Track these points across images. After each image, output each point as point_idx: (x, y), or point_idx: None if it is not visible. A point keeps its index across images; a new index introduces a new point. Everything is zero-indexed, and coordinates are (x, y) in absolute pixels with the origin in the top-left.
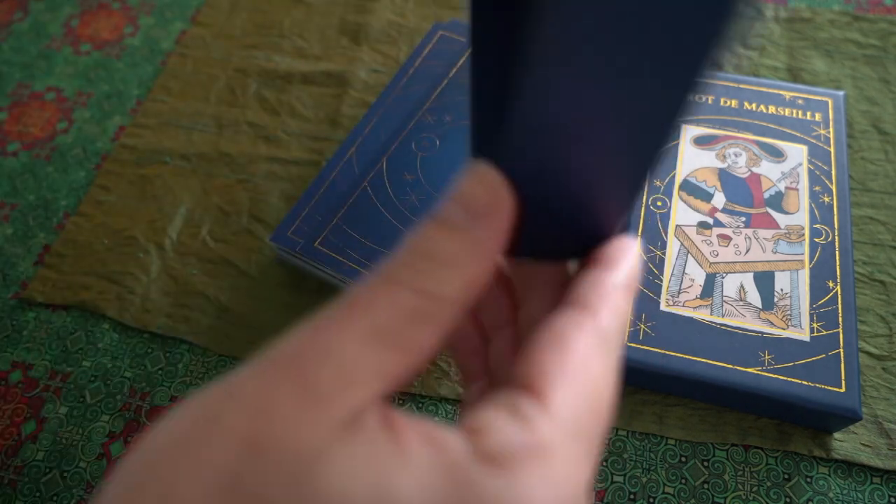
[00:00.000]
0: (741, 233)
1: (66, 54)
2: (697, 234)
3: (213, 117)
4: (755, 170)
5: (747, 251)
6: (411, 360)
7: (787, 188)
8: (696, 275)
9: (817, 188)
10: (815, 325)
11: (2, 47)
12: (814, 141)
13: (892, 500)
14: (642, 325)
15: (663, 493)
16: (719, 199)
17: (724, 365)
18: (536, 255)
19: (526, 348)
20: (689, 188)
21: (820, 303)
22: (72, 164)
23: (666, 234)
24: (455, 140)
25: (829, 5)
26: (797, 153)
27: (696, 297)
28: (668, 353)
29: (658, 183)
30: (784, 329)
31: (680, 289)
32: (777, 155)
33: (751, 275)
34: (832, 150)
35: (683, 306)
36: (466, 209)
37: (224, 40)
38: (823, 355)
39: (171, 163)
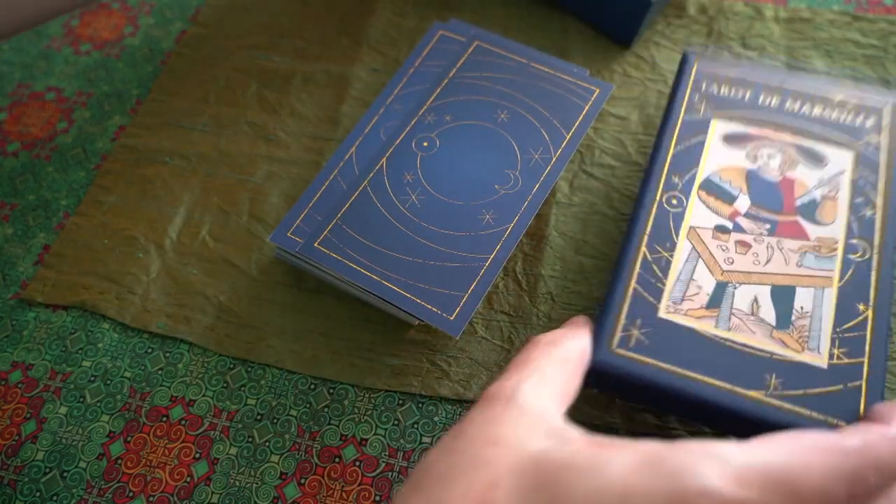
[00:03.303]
0: (763, 241)
1: (66, 54)
2: (713, 237)
3: (213, 117)
4: (790, 174)
5: (768, 261)
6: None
7: (823, 197)
8: (705, 282)
9: (859, 199)
10: (836, 352)
11: (2, 47)
12: (863, 148)
13: None
14: (635, 331)
15: None
16: (743, 202)
17: (722, 385)
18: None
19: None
20: (711, 187)
21: (846, 327)
22: (72, 164)
23: (677, 234)
24: (455, 140)
25: (829, 5)
26: (841, 160)
27: (702, 307)
28: (659, 364)
29: (676, 179)
30: (798, 352)
31: (684, 295)
32: (818, 160)
33: (768, 288)
34: (882, 159)
35: (685, 315)
36: (579, 324)
37: (224, 40)
38: (841, 387)
39: (171, 163)
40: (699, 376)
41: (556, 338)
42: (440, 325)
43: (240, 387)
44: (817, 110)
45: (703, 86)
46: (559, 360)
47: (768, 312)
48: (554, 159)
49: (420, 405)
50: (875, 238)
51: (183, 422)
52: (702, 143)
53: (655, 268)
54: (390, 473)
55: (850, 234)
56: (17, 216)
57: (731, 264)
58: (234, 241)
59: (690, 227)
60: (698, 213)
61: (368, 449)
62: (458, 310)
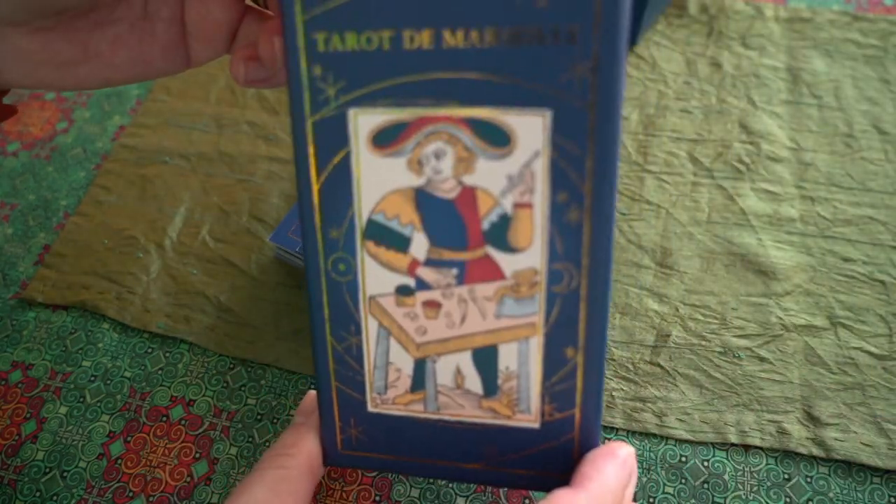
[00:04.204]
0: (453, 294)
1: None
2: (397, 305)
3: (213, 117)
4: (468, 180)
5: (463, 321)
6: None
7: (515, 205)
8: (403, 363)
9: (563, 197)
10: (546, 409)
11: None
12: (561, 95)
13: (892, 499)
14: (353, 431)
15: (663, 493)
16: (420, 245)
17: (445, 464)
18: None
19: None
20: (377, 233)
21: (554, 380)
22: (72, 164)
23: (358, 311)
24: None
25: (828, 5)
26: (532, 131)
27: (406, 391)
28: (385, 457)
29: (334, 233)
30: (510, 417)
31: (386, 384)
32: (501, 143)
33: (468, 354)
34: (592, 110)
35: (393, 404)
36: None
37: None
38: (556, 443)
39: (171, 163)
40: (423, 460)
41: (280, 460)
42: None
43: (240, 387)
44: (490, 38)
45: (320, 42)
46: (285, 494)
47: (474, 381)
48: None
49: None
50: (582, 257)
51: (183, 422)
52: (347, 164)
53: (349, 359)
54: (390, 474)
55: (552, 257)
56: (17, 216)
57: (424, 335)
58: (234, 241)
59: (370, 298)
60: (372, 276)
61: None
62: None
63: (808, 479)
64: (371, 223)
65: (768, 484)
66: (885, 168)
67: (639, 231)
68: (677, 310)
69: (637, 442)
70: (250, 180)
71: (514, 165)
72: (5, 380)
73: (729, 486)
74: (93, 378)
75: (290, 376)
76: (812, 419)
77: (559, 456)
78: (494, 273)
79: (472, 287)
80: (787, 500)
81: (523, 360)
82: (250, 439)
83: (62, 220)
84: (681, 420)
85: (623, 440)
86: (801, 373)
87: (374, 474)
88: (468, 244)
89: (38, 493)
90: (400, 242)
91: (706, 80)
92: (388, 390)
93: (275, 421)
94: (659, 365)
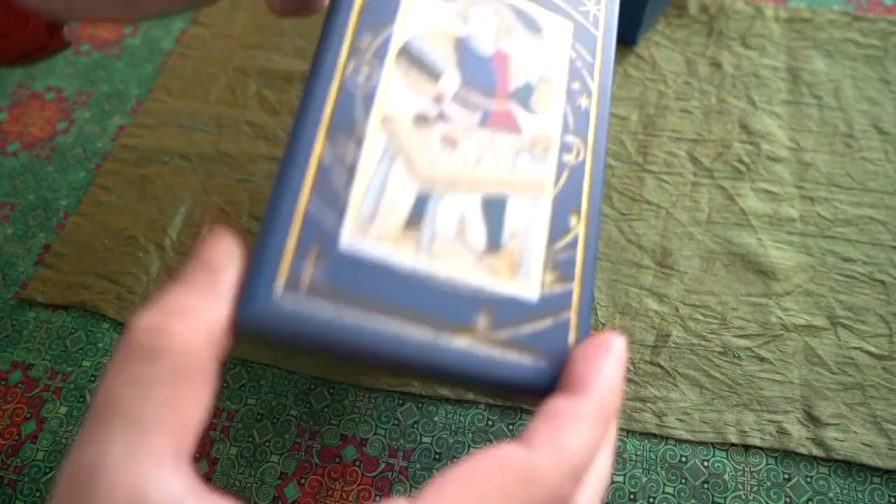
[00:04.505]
0: (473, 135)
1: (66, 54)
2: (413, 129)
3: (213, 117)
4: (504, 45)
5: (478, 162)
6: (189, 411)
7: (540, 80)
8: (403, 192)
9: (576, 85)
10: (547, 277)
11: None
12: (581, 18)
13: (892, 499)
14: (307, 270)
15: (663, 492)
16: (452, 80)
17: (422, 334)
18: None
19: (454, 466)
20: (413, 56)
21: (558, 246)
22: (72, 164)
23: (367, 123)
24: None
25: (829, 5)
26: (560, 31)
27: (400, 227)
28: (340, 316)
29: (365, 40)
30: (510, 280)
31: (376, 211)
32: (535, 30)
33: (478, 198)
34: (600, 35)
35: (377, 241)
36: (202, 265)
37: (224, 40)
38: (551, 321)
39: (171, 163)
40: (394, 326)
41: (162, 325)
42: None
43: (240, 387)
44: None
45: None
46: (168, 381)
47: (478, 232)
48: None
49: (420, 405)
50: (589, 135)
51: None
52: None
53: (338, 170)
54: (390, 474)
55: (565, 129)
56: (17, 216)
57: (436, 166)
58: None
59: (386, 115)
60: (395, 94)
61: (368, 449)
62: None
63: (808, 479)
64: (409, 43)
65: (768, 484)
66: (885, 168)
67: (639, 231)
68: (677, 310)
69: (637, 442)
70: (250, 180)
71: (543, 50)
72: (5, 380)
73: (729, 486)
74: (93, 378)
75: (290, 376)
76: (812, 419)
77: (553, 337)
78: (514, 127)
79: (493, 133)
80: (787, 500)
81: (530, 218)
82: (250, 439)
83: (62, 220)
84: (681, 420)
85: (623, 440)
86: (801, 373)
87: (373, 473)
88: (496, 93)
89: (38, 493)
90: (433, 70)
91: (706, 80)
92: (376, 222)
93: (275, 421)
94: (659, 365)
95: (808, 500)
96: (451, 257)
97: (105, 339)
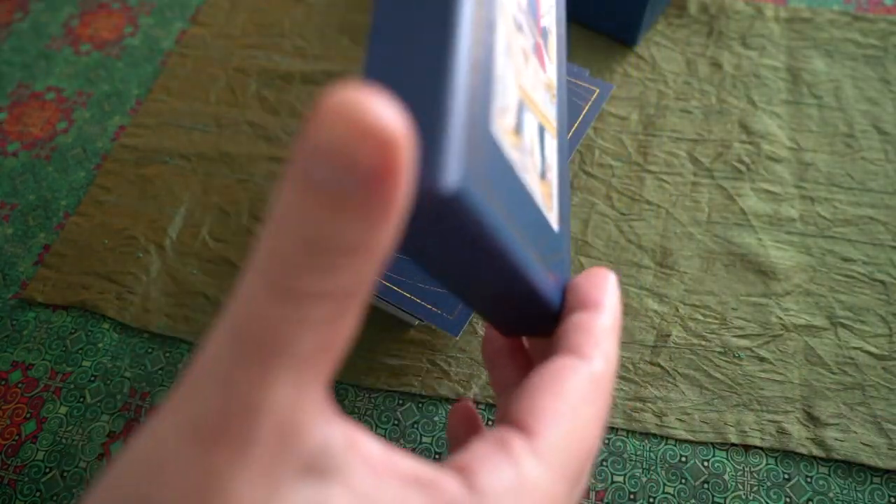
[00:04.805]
0: (531, 57)
1: (66, 54)
2: (515, 33)
3: (213, 117)
4: None
5: (534, 89)
6: (331, 359)
7: (549, 27)
8: (511, 92)
9: (562, 31)
10: (555, 214)
11: (2, 47)
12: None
13: (892, 499)
14: (479, 151)
15: (663, 492)
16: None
17: (527, 250)
18: (518, 334)
19: (522, 389)
20: None
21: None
22: (72, 164)
23: (494, 12)
24: None
25: (829, 5)
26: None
27: (513, 129)
28: (496, 210)
29: None
30: (549, 210)
31: (496, 106)
32: None
33: (536, 122)
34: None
35: (504, 134)
36: (349, 170)
37: (224, 40)
38: (561, 254)
39: (171, 163)
40: (513, 235)
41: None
42: (440, 325)
43: None
44: None
45: None
46: (342, 309)
47: (537, 156)
48: None
49: (420, 405)
50: (561, 76)
51: None
52: None
53: (483, 49)
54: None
55: (559, 80)
56: (17, 216)
57: (522, 78)
58: (234, 241)
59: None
60: None
61: None
62: (458, 309)
63: (808, 479)
64: None
65: (768, 484)
66: (885, 168)
67: (639, 231)
68: (677, 310)
69: (637, 442)
70: (250, 180)
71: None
72: (5, 380)
73: (729, 486)
74: (93, 378)
75: None
76: (812, 419)
77: (562, 271)
78: (543, 65)
79: (536, 63)
80: (787, 500)
81: (554, 156)
82: None
83: (62, 220)
84: (681, 420)
85: (623, 440)
86: (801, 373)
87: None
88: (536, 26)
89: (38, 493)
90: None
91: (706, 80)
92: (497, 116)
93: None
94: (659, 365)
95: (808, 500)
96: (532, 175)
97: (105, 339)
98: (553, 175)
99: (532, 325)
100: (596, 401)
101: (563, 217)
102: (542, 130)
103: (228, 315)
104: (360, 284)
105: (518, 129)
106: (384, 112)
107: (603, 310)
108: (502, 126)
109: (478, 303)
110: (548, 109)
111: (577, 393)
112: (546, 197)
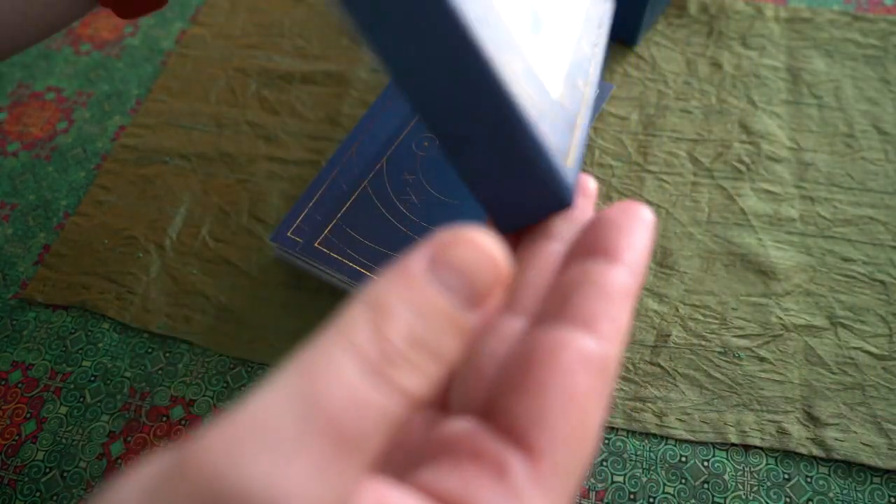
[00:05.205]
0: None
1: (67, 54)
2: None
3: (213, 117)
4: None
5: None
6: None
7: None
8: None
9: None
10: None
11: None
12: None
13: (892, 499)
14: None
15: (663, 493)
16: None
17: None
18: (516, 224)
19: (516, 372)
20: None
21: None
22: (72, 164)
23: None
24: None
25: (829, 5)
26: None
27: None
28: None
29: None
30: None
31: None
32: None
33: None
34: None
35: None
36: (466, 296)
37: (224, 40)
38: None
39: (171, 163)
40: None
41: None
42: None
43: (240, 387)
44: None
45: None
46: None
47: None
48: None
49: None
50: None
51: (183, 422)
52: None
53: None
54: None
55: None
56: (17, 216)
57: None
58: (234, 241)
59: None
60: None
61: None
62: None
63: (808, 479)
64: None
65: (768, 484)
66: (885, 168)
67: None
68: (677, 310)
69: (637, 442)
70: (250, 180)
71: None
72: (5, 380)
73: (729, 486)
74: (93, 378)
75: None
76: (812, 419)
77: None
78: None
79: None
80: (787, 500)
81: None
82: None
83: (62, 220)
84: (681, 420)
85: (623, 440)
86: (801, 373)
87: None
88: None
89: (38, 493)
90: None
91: (706, 80)
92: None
93: None
94: (659, 365)
95: (808, 500)
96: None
97: (105, 340)
98: (552, 31)
99: (533, 205)
100: (603, 394)
101: (570, 93)
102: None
103: (307, 383)
104: (422, 390)
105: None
106: (502, 252)
107: (623, 263)
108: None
109: (464, 152)
110: None
111: (585, 387)
112: (535, 56)
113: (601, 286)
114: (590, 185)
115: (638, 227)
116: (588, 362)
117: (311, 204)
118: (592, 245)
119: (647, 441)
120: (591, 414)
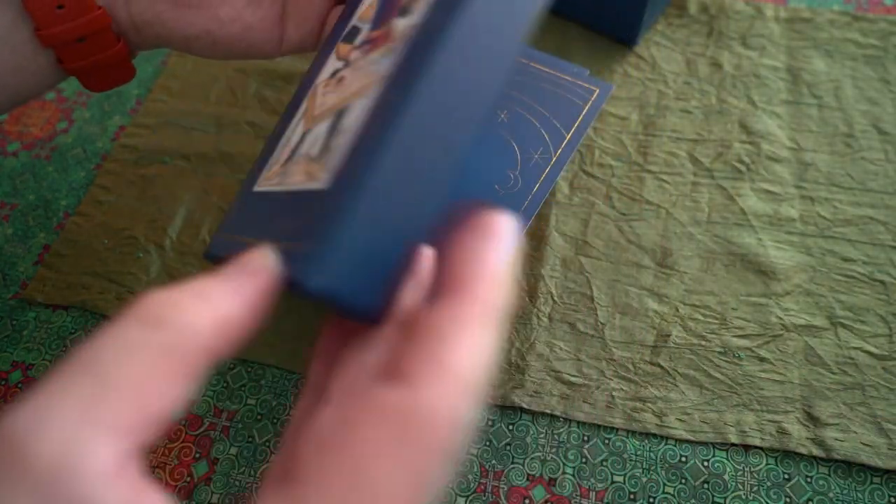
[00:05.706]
0: (357, 65)
1: None
2: (324, 86)
3: (213, 117)
4: None
5: (349, 85)
6: (158, 405)
7: None
8: (295, 136)
9: None
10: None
11: None
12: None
13: (892, 499)
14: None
15: (663, 493)
16: (363, 34)
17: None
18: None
19: (405, 345)
20: (349, 35)
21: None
22: (72, 164)
23: (303, 100)
24: None
25: (829, 5)
26: None
27: (278, 165)
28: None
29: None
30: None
31: (273, 160)
32: None
33: (332, 116)
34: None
35: (265, 180)
36: (238, 266)
37: None
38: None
39: (171, 163)
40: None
41: (175, 298)
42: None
43: (240, 387)
44: None
45: None
46: (155, 352)
47: (318, 143)
48: (554, 159)
49: None
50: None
51: (183, 422)
52: None
53: (276, 143)
54: None
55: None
56: (17, 216)
57: (322, 106)
58: None
59: (315, 85)
60: (325, 68)
61: None
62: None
63: (808, 479)
64: (352, 27)
65: (768, 484)
66: (885, 168)
67: (639, 231)
68: (677, 310)
69: (637, 442)
70: None
71: None
72: (5, 380)
73: (729, 486)
74: None
75: (290, 376)
76: (812, 419)
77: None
78: (389, 38)
79: (370, 55)
80: (787, 500)
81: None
82: (250, 439)
83: (62, 220)
84: (681, 420)
85: (623, 440)
86: (801, 373)
87: None
88: (384, 20)
89: None
90: (354, 36)
91: (706, 80)
92: (271, 166)
93: (275, 421)
94: (659, 365)
95: (808, 500)
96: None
97: None
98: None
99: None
100: (414, 450)
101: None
102: (338, 114)
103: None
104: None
105: (292, 154)
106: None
107: (466, 294)
108: (265, 173)
109: None
110: (379, 68)
111: (373, 450)
112: (317, 169)
113: (451, 331)
114: (496, 224)
115: (488, 255)
116: (468, 329)
117: None
118: (444, 279)
119: (647, 441)
120: (469, 367)
